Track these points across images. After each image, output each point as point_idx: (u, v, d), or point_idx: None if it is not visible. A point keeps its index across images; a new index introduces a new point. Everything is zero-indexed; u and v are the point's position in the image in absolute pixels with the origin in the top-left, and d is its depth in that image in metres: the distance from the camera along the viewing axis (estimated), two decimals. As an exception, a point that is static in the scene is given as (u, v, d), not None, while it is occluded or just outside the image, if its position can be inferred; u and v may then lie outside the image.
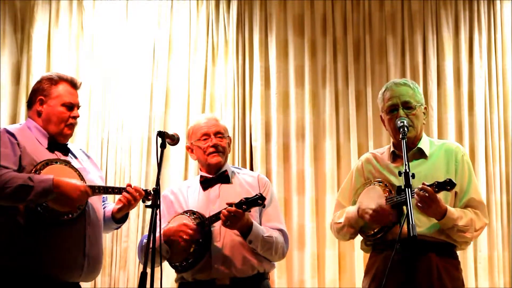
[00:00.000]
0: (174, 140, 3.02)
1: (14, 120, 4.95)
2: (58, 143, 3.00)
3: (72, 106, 3.02)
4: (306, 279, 4.83)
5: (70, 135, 3.06)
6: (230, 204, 2.99)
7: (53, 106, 2.98)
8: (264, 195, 3.14)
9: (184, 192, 3.32)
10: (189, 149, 3.34)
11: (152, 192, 2.80)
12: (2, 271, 2.76)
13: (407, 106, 3.04)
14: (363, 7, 5.18)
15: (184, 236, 3.03)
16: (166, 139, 2.97)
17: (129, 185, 3.07)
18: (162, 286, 2.83)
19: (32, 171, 2.82)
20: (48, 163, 2.88)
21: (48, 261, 2.81)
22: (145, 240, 3.16)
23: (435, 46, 5.13)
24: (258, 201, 2.97)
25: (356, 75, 5.11)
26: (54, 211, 2.82)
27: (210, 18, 5.15)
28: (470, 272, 4.77)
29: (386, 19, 5.19)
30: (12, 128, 2.96)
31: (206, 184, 3.28)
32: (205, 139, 3.26)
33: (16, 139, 2.89)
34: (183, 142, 3.33)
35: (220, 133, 3.28)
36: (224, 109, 5.02)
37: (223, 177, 3.28)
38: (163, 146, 2.95)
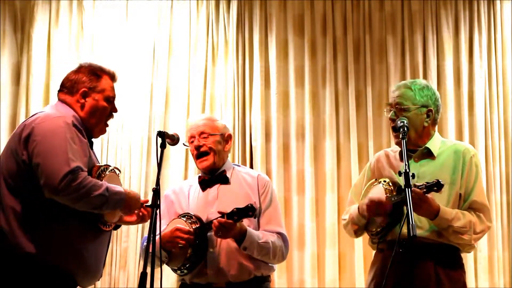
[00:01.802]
0: (174, 140, 3.01)
1: (14, 120, 4.95)
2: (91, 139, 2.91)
3: (112, 101, 2.94)
4: (306, 279, 4.83)
5: (105, 132, 2.99)
6: (221, 214, 2.96)
7: (98, 100, 2.87)
8: (263, 196, 3.15)
9: (186, 191, 3.29)
10: None
11: (152, 192, 2.80)
12: (37, 265, 2.64)
13: (398, 108, 3.05)
14: (363, 7, 5.18)
15: (180, 241, 3.01)
16: (166, 139, 2.96)
17: (146, 202, 2.99)
18: (162, 286, 2.83)
19: (95, 176, 2.70)
20: (107, 169, 2.78)
21: (84, 268, 2.74)
22: (145, 243, 3.16)
23: (435, 46, 5.13)
24: (249, 212, 2.92)
25: (356, 75, 5.11)
26: (104, 220, 2.75)
27: (210, 18, 5.15)
28: (470, 272, 4.77)
29: (386, 19, 5.19)
30: (73, 118, 2.74)
31: (204, 184, 3.26)
32: (192, 142, 3.27)
33: (84, 136, 2.75)
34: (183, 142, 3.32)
35: (204, 133, 3.24)
36: (224, 109, 5.01)
37: (222, 178, 3.25)
38: (163, 146, 2.94)
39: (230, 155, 4.81)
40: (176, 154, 4.91)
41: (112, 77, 2.96)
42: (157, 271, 2.69)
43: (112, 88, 2.95)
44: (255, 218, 3.02)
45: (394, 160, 3.16)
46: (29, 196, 2.65)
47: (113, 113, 2.96)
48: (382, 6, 5.20)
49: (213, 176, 3.26)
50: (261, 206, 3.19)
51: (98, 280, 2.90)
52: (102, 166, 2.78)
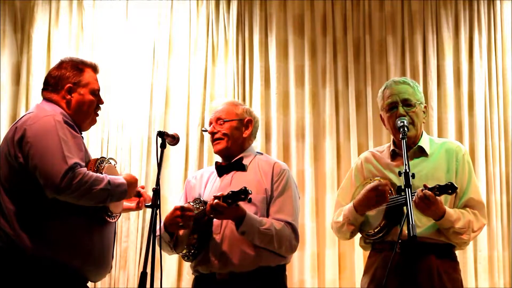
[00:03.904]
0: (174, 140, 3.01)
1: (14, 120, 4.94)
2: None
3: (98, 93, 2.93)
4: (306, 279, 4.82)
5: (95, 123, 2.98)
6: (216, 197, 2.89)
7: (83, 95, 2.85)
8: (277, 184, 3.08)
9: (206, 178, 3.25)
10: None
11: (152, 192, 2.81)
12: (46, 264, 2.65)
13: (406, 103, 3.04)
14: (363, 7, 5.19)
15: (179, 220, 2.95)
16: (166, 139, 2.96)
17: (142, 188, 3.03)
18: (162, 286, 2.83)
19: (94, 170, 2.71)
20: (104, 161, 2.79)
21: (93, 262, 2.76)
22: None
23: (435, 46, 5.13)
24: (241, 195, 2.84)
25: (356, 75, 5.11)
26: (110, 211, 2.77)
27: (210, 18, 5.15)
28: (470, 272, 4.77)
29: (386, 19, 5.19)
30: (62, 115, 2.74)
31: (220, 171, 3.20)
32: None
33: (76, 131, 2.76)
34: (183, 142, 3.32)
35: (220, 119, 3.20)
36: (224, 109, 5.01)
37: (238, 165, 3.17)
38: (163, 146, 2.94)
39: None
40: (176, 154, 4.91)
41: (95, 69, 2.95)
42: (157, 270, 2.69)
43: (96, 80, 2.94)
44: (249, 201, 2.89)
45: (382, 159, 3.14)
46: (29, 197, 2.66)
47: (100, 105, 2.95)
48: (382, 6, 5.20)
49: (229, 163, 3.19)
50: (273, 194, 3.09)
51: (109, 272, 2.91)
52: (98, 159, 2.79)
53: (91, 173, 2.65)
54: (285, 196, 3.11)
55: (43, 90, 2.91)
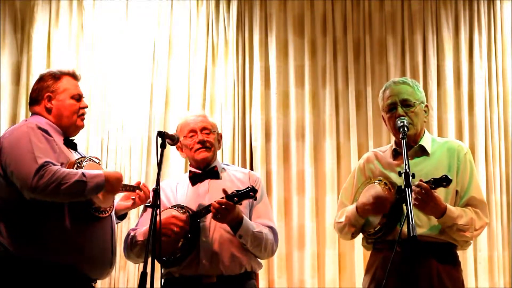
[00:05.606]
0: (174, 140, 3.03)
1: (14, 120, 4.95)
2: (69, 139, 2.97)
3: (79, 98, 3.00)
4: (306, 279, 4.82)
5: (82, 126, 3.02)
6: (224, 191, 2.95)
7: (62, 100, 2.94)
8: None
9: (173, 187, 3.29)
10: (179, 147, 3.30)
11: (152, 192, 2.81)
12: (40, 266, 2.69)
13: (405, 104, 3.04)
14: (363, 7, 5.19)
15: (175, 228, 2.99)
16: (166, 139, 2.98)
17: (141, 183, 3.08)
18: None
19: (75, 168, 2.77)
20: (85, 160, 2.84)
21: (87, 259, 2.78)
22: (132, 233, 3.15)
23: (435, 46, 5.13)
24: (250, 193, 2.93)
25: (356, 75, 5.11)
26: (97, 207, 2.79)
27: (210, 18, 5.15)
28: (470, 272, 4.77)
29: (386, 19, 5.19)
30: (37, 123, 2.84)
31: (195, 179, 3.25)
32: (191, 136, 3.25)
33: (50, 135, 2.83)
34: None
35: (206, 129, 3.25)
36: (224, 109, 5.02)
37: (212, 173, 3.25)
38: (163, 146, 2.96)
39: (231, 155, 4.88)
40: (176, 154, 4.88)
41: (73, 76, 3.04)
42: (157, 270, 2.69)
43: (76, 86, 3.02)
44: (255, 200, 3.01)
45: (384, 159, 3.14)
46: (14, 205, 2.72)
47: (85, 109, 3.02)
48: (382, 6, 5.20)
49: (204, 171, 3.25)
50: (252, 201, 3.17)
51: (111, 268, 2.92)
52: (78, 159, 2.84)
53: (63, 169, 2.71)
54: (262, 202, 3.24)
55: (29, 105, 3.02)
